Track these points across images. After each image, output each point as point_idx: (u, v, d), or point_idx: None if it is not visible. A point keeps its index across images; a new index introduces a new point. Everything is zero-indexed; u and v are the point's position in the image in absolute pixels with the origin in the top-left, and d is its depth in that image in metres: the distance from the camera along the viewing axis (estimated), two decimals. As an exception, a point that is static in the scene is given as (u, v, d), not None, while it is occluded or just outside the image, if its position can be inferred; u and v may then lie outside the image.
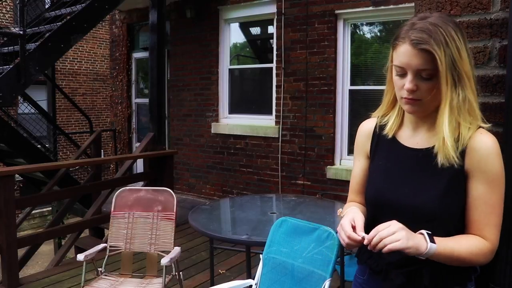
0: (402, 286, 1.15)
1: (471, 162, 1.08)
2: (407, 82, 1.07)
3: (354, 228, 1.12)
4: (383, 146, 1.23)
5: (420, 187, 1.12)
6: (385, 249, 1.01)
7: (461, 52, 1.05)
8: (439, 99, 1.08)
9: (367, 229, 1.26)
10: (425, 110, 1.12)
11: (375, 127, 1.27)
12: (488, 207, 1.08)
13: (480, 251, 1.07)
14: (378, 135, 1.25)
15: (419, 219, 1.10)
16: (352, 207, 1.27)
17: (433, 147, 1.12)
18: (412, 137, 1.18)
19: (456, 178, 1.09)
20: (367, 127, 1.30)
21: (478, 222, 1.09)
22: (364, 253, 1.27)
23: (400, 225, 1.03)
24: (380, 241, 1.02)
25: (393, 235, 1.01)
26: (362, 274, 1.32)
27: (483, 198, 1.08)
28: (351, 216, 1.16)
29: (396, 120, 1.21)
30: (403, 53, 1.07)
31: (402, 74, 1.09)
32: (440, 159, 1.09)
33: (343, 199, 1.49)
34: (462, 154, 1.08)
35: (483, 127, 1.10)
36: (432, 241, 1.03)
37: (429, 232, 1.05)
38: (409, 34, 1.06)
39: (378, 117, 1.27)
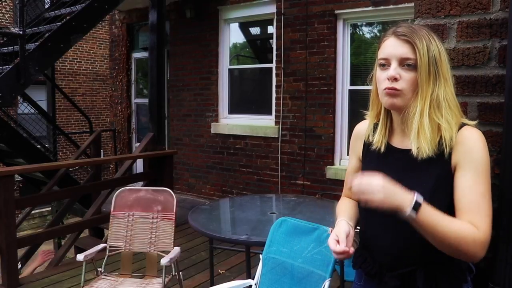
0: None
1: (458, 155, 1.09)
2: (391, 70, 1.11)
3: (338, 242, 1.16)
4: (374, 149, 1.24)
5: (409, 187, 1.11)
6: (363, 202, 1.03)
7: (441, 55, 1.12)
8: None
9: (361, 228, 1.31)
10: (404, 105, 1.12)
11: (368, 130, 1.29)
12: (478, 195, 1.07)
13: (469, 236, 1.02)
14: (369, 139, 1.27)
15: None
16: (341, 211, 1.32)
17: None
18: (402, 140, 1.19)
19: (444, 175, 1.10)
20: (360, 129, 1.33)
21: (468, 210, 1.06)
22: (358, 258, 1.28)
23: (381, 183, 1.00)
24: (360, 192, 1.02)
25: (372, 194, 1.00)
26: (359, 280, 1.33)
27: (472, 186, 1.07)
28: (335, 231, 1.21)
29: (383, 129, 1.21)
30: (387, 45, 1.13)
31: (386, 66, 1.13)
32: (414, 151, 1.10)
33: (343, 199, 1.50)
34: (450, 153, 1.10)
35: (469, 125, 1.13)
36: (417, 207, 0.99)
37: (420, 199, 1.00)
38: (394, 30, 1.13)
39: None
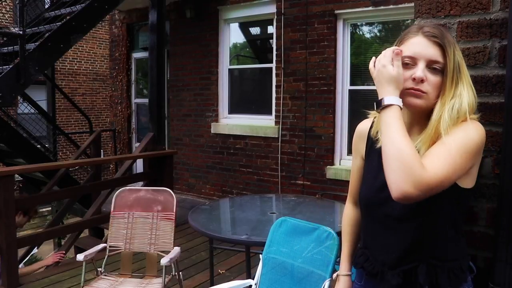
0: (399, 286, 1.15)
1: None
2: (418, 71, 1.07)
3: None
4: (376, 148, 1.22)
5: None
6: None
7: (463, 60, 1.11)
8: (435, 100, 1.09)
9: (362, 227, 1.33)
10: (426, 107, 1.10)
11: (370, 128, 1.27)
12: (444, 144, 1.03)
13: (411, 162, 0.96)
14: (372, 137, 1.25)
15: (407, 216, 1.11)
16: (345, 233, 1.41)
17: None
18: None
19: None
20: (362, 128, 1.32)
21: (426, 156, 1.03)
22: (360, 257, 1.28)
23: (389, 69, 1.07)
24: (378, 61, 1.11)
25: (380, 67, 1.08)
26: (359, 280, 1.33)
27: (440, 143, 1.04)
28: None
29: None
30: (416, 44, 1.09)
31: (410, 65, 1.09)
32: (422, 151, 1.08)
33: (343, 199, 1.51)
34: None
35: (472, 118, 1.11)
36: (381, 106, 1.05)
37: (395, 102, 1.05)
38: (421, 29, 1.10)
39: (375, 117, 1.27)
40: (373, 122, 1.27)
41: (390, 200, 1.14)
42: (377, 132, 1.23)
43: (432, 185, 0.97)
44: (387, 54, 1.08)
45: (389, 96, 1.05)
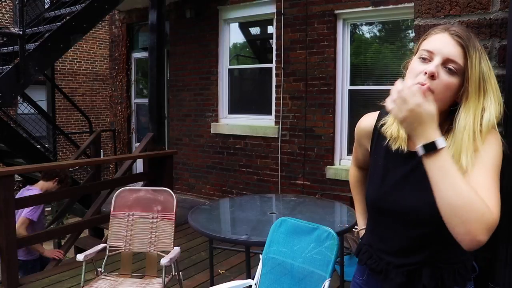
0: (402, 285, 1.15)
1: None
2: (431, 66, 1.02)
3: None
4: (383, 146, 1.18)
5: (417, 191, 1.09)
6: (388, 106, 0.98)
7: (490, 71, 1.06)
8: (448, 103, 1.05)
9: (368, 226, 1.33)
10: None
11: (375, 126, 1.23)
12: (485, 171, 0.98)
13: (480, 206, 0.90)
14: (378, 134, 1.22)
15: (417, 223, 1.09)
16: (358, 200, 1.46)
17: None
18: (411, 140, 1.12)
19: None
20: (365, 125, 1.27)
21: (477, 189, 0.94)
22: (364, 254, 1.27)
23: (419, 104, 0.94)
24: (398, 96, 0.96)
25: (414, 107, 0.94)
26: (361, 275, 1.32)
27: (482, 165, 0.99)
28: None
29: (395, 125, 1.14)
30: (438, 39, 1.05)
31: (427, 60, 1.04)
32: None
33: (343, 199, 1.52)
34: None
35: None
36: (430, 149, 0.93)
37: (441, 144, 0.93)
38: (447, 27, 1.06)
39: (379, 113, 1.23)
40: (380, 119, 1.21)
41: (399, 205, 1.12)
42: (383, 128, 1.18)
43: (496, 223, 0.93)
44: (413, 90, 0.95)
45: (439, 137, 0.94)
